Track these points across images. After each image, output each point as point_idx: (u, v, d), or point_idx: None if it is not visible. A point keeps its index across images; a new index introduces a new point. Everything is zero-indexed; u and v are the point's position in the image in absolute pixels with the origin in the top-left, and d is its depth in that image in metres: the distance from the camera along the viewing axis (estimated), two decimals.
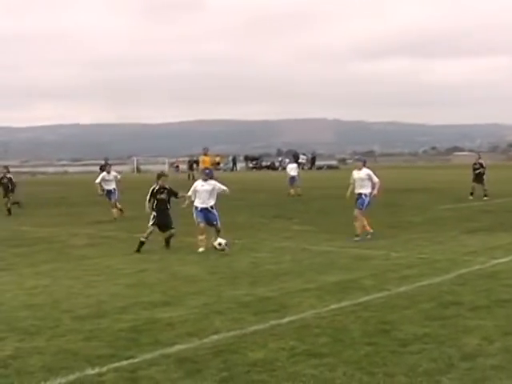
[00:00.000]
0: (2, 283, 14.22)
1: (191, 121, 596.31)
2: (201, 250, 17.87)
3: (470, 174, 35.27)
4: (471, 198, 33.21)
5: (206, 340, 9.51)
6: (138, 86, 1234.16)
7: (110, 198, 29.06)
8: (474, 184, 34.33)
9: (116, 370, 8.27)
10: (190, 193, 18.88)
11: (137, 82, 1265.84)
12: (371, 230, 19.91)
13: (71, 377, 8.04)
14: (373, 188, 20.07)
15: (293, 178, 41.10)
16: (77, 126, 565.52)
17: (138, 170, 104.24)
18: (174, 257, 17.25)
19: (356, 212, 20.15)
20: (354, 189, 20.39)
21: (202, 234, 18.24)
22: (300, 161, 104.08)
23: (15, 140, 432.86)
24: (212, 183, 18.85)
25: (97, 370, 8.27)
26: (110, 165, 45.68)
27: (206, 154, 42.34)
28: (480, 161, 35.54)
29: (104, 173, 30.09)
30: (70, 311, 11.45)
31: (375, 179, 20.06)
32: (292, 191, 39.98)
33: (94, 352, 9.03)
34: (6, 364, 8.60)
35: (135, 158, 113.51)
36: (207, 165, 41.44)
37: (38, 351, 9.14)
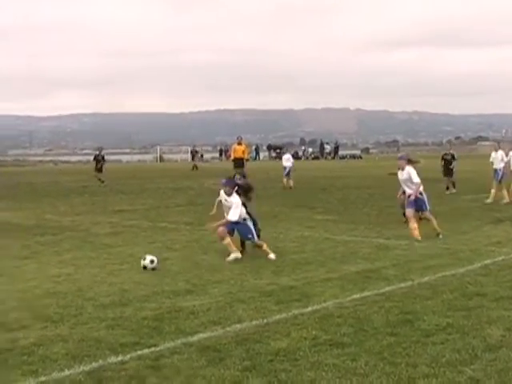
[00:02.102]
0: (26, 271, 14.31)
1: (215, 110, 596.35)
2: (232, 256, 15.22)
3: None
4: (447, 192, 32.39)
5: (228, 329, 9.53)
6: (162, 76, 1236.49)
7: None
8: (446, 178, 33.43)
9: (139, 357, 8.31)
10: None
11: (160, 72, 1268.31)
12: (419, 237, 17.61)
13: (94, 364, 8.09)
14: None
15: (287, 168, 41.07)
16: (101, 115, 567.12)
17: (161, 159, 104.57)
18: (197, 245, 17.28)
19: (424, 215, 18.42)
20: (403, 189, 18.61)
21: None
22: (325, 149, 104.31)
23: (39, 129, 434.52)
24: (234, 201, 15.54)
25: (120, 357, 8.31)
26: (103, 156, 46.44)
27: (239, 143, 42.30)
28: (451, 152, 34.66)
29: None
30: (94, 299, 11.51)
31: (415, 180, 17.99)
32: (285, 181, 39.75)
33: (117, 340, 9.08)
34: (30, 351, 8.66)
35: (158, 147, 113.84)
36: (239, 154, 41.47)
37: (61, 339, 9.20)
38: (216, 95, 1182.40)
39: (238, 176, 16.81)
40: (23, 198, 34.13)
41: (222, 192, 15.78)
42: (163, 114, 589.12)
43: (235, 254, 15.16)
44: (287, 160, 41.83)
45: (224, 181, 15.88)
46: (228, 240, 15.33)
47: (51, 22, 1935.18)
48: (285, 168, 41.11)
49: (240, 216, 15.48)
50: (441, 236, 17.85)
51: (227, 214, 15.54)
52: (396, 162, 19.06)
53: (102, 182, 43.31)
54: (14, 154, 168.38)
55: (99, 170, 45.80)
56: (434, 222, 18.24)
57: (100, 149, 48.04)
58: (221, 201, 15.83)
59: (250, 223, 15.70)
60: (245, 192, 16.45)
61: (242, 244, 16.10)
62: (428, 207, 18.30)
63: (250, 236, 15.65)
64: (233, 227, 15.52)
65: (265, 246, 15.54)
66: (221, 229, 15.38)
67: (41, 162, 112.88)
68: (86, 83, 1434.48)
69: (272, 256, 15.19)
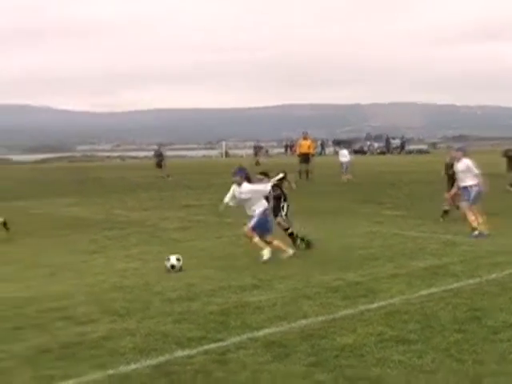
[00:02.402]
0: (94, 265, 14.51)
1: (281, 105, 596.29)
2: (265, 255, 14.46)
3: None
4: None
5: (294, 324, 9.52)
6: (233, 71, 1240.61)
7: None
8: None
9: (205, 352, 8.35)
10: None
11: (231, 67, 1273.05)
12: (478, 230, 17.25)
13: (161, 358, 8.16)
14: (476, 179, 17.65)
15: (344, 164, 40.96)
16: (169, 110, 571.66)
17: (227, 155, 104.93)
18: None
19: (461, 204, 18.15)
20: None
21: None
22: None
23: (108, 125, 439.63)
24: (247, 189, 14.62)
25: (186, 352, 8.37)
26: (161, 152, 46.83)
27: (305, 138, 42.29)
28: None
29: None
30: (161, 293, 11.61)
31: (475, 171, 17.60)
32: (345, 177, 39.65)
33: (183, 334, 9.15)
34: (98, 345, 8.77)
35: (224, 143, 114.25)
36: (304, 149, 41.47)
37: (128, 333, 9.30)
38: (282, 90, 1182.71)
39: (259, 176, 15.56)
40: (92, 193, 34.59)
41: (234, 186, 14.83)
42: (231, 109, 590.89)
43: (267, 251, 14.40)
44: (344, 156, 41.69)
45: (235, 170, 14.99)
46: (256, 239, 14.53)
47: (125, 18, 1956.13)
48: (342, 164, 40.98)
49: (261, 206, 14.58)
50: (476, 233, 17.22)
51: (246, 207, 14.73)
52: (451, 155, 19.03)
53: (166, 176, 43.67)
54: (83, 149, 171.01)
55: (159, 166, 46.33)
56: (472, 217, 17.52)
57: (159, 145, 48.56)
58: (235, 196, 14.80)
59: (268, 219, 14.77)
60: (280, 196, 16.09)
61: (293, 240, 15.88)
62: (473, 201, 17.67)
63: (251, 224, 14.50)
64: (258, 223, 14.50)
65: (276, 243, 14.80)
66: (245, 229, 14.59)
67: (108, 157, 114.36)
68: (158, 78, 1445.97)
69: (265, 255, 14.36)
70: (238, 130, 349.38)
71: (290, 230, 16.00)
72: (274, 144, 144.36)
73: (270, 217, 15.12)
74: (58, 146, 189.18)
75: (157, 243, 17.25)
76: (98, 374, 7.69)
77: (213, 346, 8.60)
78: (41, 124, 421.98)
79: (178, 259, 13.61)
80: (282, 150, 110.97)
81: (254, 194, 14.62)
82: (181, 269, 13.51)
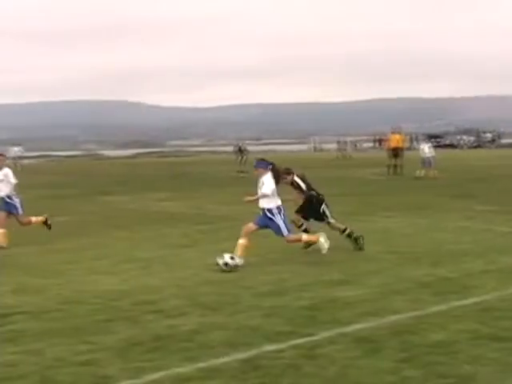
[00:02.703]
0: (185, 259, 14.66)
1: (370, 99, 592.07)
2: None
3: None
4: None
5: (384, 320, 9.46)
6: (318, 65, 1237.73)
7: None
8: None
9: (295, 347, 8.36)
10: None
11: (319, 61, 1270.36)
12: None
13: (251, 352, 8.19)
14: None
15: (427, 159, 39.44)
16: (262, 105, 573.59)
17: (317, 149, 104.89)
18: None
19: None
20: None
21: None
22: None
23: (200, 120, 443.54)
24: (263, 183, 13.92)
25: (276, 346, 8.39)
26: (241, 148, 47.04)
27: (396, 133, 41.99)
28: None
29: None
30: (251, 288, 11.66)
31: None
32: (430, 173, 38.12)
33: (273, 328, 9.17)
34: (189, 338, 8.87)
35: (314, 137, 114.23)
36: (395, 143, 41.10)
37: (218, 326, 9.37)
38: (371, 84, 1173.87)
39: (285, 177, 15.03)
40: (182, 187, 34.98)
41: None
42: (319, 103, 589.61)
43: (322, 239, 13.89)
44: (426, 151, 40.59)
45: (256, 162, 14.48)
46: (304, 236, 14.30)
47: (210, 14, 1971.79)
48: (424, 159, 39.62)
49: (272, 203, 13.84)
50: None
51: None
52: None
53: (240, 172, 43.86)
54: (175, 144, 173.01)
55: (240, 161, 46.75)
56: None
57: (241, 141, 49.07)
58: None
59: (278, 218, 13.82)
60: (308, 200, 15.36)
61: (356, 240, 15.16)
62: None
63: (281, 233, 13.91)
64: (265, 223, 13.93)
65: (305, 237, 14.42)
66: (249, 225, 14.04)
67: (199, 152, 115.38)
68: (244, 73, 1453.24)
69: (323, 246, 13.91)
70: (327, 124, 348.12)
71: (347, 231, 15.35)
72: (364, 138, 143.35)
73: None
74: (149, 142, 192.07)
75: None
76: (188, 367, 7.76)
77: (302, 340, 8.60)
78: (132, 120, 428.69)
79: (231, 257, 13.38)
80: (372, 144, 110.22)
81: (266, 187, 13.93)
82: (235, 267, 13.23)
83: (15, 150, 69.20)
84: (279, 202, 13.97)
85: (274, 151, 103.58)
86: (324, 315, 9.79)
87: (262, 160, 14.46)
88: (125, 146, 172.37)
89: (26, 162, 73.04)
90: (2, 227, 17.23)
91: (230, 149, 66.94)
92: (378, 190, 30.04)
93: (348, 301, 10.57)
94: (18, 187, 17.73)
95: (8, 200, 17.39)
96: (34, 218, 18.06)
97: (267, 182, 13.81)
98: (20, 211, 17.55)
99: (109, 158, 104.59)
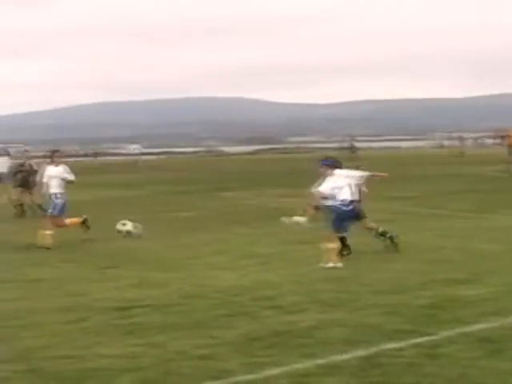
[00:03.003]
0: (305, 256, 14.64)
1: (489, 95, 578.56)
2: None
3: None
4: None
5: (507, 320, 9.26)
6: (438, 61, 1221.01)
7: None
8: None
9: (415, 345, 8.27)
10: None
11: (439, 57, 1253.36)
12: None
13: (370, 350, 8.15)
14: None
15: None
16: (377, 101, 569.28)
17: (441, 146, 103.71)
18: (474, 233, 16.89)
19: None
20: None
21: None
22: None
23: (319, 116, 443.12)
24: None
25: (396, 344, 8.32)
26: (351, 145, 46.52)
27: None
28: None
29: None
30: (369, 285, 11.60)
31: None
32: None
33: (392, 327, 9.10)
34: (309, 334, 8.89)
35: (437, 134, 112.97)
36: None
37: (338, 323, 9.36)
38: (486, 79, 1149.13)
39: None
40: (303, 184, 34.93)
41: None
42: (440, 99, 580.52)
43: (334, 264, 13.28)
44: None
45: (322, 161, 14.90)
46: (333, 245, 13.68)
47: (325, 11, 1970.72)
48: None
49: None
50: None
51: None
52: None
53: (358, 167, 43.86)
54: (295, 141, 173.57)
55: (351, 158, 46.89)
56: None
57: (352, 137, 49.19)
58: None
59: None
60: None
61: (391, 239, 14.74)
62: None
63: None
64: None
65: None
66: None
67: (319, 148, 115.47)
68: (360, 69, 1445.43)
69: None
70: (448, 120, 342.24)
71: (380, 230, 14.97)
72: (485, 134, 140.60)
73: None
74: (268, 138, 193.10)
75: (363, 234, 17.18)
76: (306, 363, 7.78)
77: (423, 339, 8.49)
78: (252, 116, 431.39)
79: (135, 227, 13.20)
80: (495, 141, 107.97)
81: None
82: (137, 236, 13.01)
83: (133, 148, 71.02)
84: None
85: (398, 148, 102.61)
86: (444, 314, 9.65)
87: (328, 159, 15.05)
88: (245, 142, 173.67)
89: (144, 158, 74.48)
90: (51, 228, 16.92)
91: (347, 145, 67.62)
92: (500, 187, 29.42)
93: (469, 300, 10.39)
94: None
95: (53, 199, 17.17)
96: (68, 220, 17.56)
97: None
98: (56, 212, 17.15)
99: (229, 154, 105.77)
